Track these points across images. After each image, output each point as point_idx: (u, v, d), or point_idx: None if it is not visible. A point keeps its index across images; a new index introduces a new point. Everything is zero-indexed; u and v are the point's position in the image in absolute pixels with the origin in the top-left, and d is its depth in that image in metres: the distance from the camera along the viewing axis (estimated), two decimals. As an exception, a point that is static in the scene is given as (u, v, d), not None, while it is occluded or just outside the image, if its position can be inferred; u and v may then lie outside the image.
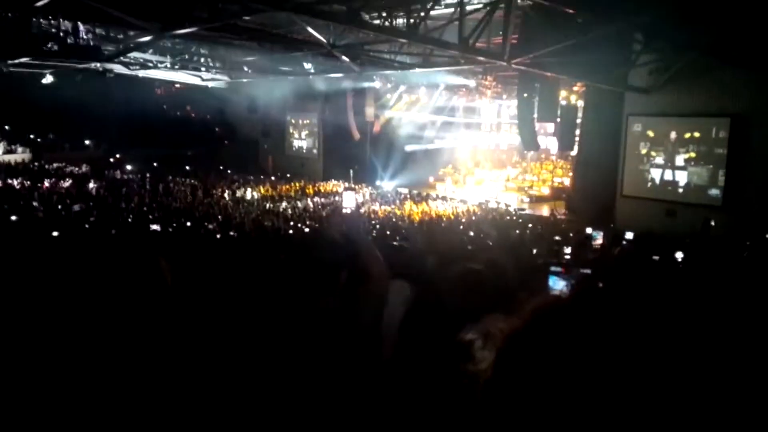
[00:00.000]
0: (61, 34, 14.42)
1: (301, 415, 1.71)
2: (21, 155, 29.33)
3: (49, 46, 14.39)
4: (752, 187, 14.72)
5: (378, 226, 12.96)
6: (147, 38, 16.69)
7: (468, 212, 22.23)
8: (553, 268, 3.83)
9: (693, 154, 16.90)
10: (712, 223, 5.82)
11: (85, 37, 15.98)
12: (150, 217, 14.61)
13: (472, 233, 11.19)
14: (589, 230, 13.54)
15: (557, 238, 10.48)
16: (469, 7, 13.40)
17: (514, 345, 0.71)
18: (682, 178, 17.18)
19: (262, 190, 25.24)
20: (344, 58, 17.41)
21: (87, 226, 9.75)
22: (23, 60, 15.82)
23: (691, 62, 15.16)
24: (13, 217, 9.86)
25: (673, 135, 17.32)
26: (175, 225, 12.46)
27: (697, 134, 16.77)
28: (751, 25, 12.79)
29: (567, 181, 27.54)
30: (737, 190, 15.35)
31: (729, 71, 14.54)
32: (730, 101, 15.30)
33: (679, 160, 17.24)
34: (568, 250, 6.79)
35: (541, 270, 4.54)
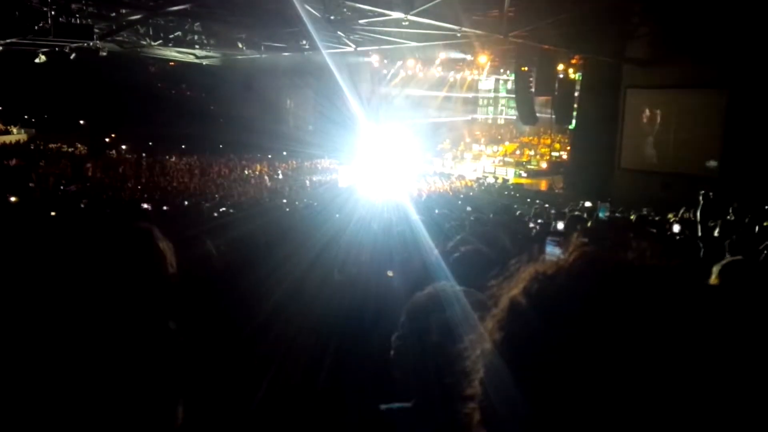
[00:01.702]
0: (53, 12, 14.21)
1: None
2: (17, 136, 29.16)
3: (41, 25, 14.19)
4: (750, 159, 14.69)
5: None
6: (139, 15, 16.51)
7: (466, 187, 22.23)
8: (550, 237, 3.84)
9: (691, 126, 16.84)
10: (711, 195, 5.80)
11: (77, 15, 15.77)
12: (146, 196, 14.58)
13: (469, 208, 11.17)
14: (588, 204, 13.52)
15: (553, 211, 10.47)
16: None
17: (514, 310, 0.69)
18: (679, 150, 17.13)
19: (259, 168, 25.17)
20: (340, 33, 17.23)
21: (82, 206, 9.71)
22: (15, 39, 15.64)
23: (689, 34, 15.01)
24: (13, 198, 9.81)
25: (671, 107, 17.25)
26: (171, 204, 12.43)
27: (695, 106, 16.70)
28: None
29: (565, 156, 27.49)
30: (735, 162, 15.32)
31: (727, 42, 14.40)
32: (728, 73, 15.19)
33: (677, 132, 17.18)
34: (561, 225, 6.78)
35: (537, 240, 4.54)
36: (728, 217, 7.54)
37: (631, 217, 9.69)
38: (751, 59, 14.41)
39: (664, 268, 0.67)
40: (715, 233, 6.51)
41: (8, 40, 15.99)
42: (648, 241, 0.72)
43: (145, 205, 10.23)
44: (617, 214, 10.82)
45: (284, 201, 14.70)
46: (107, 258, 1.80)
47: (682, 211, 10.84)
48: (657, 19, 15.49)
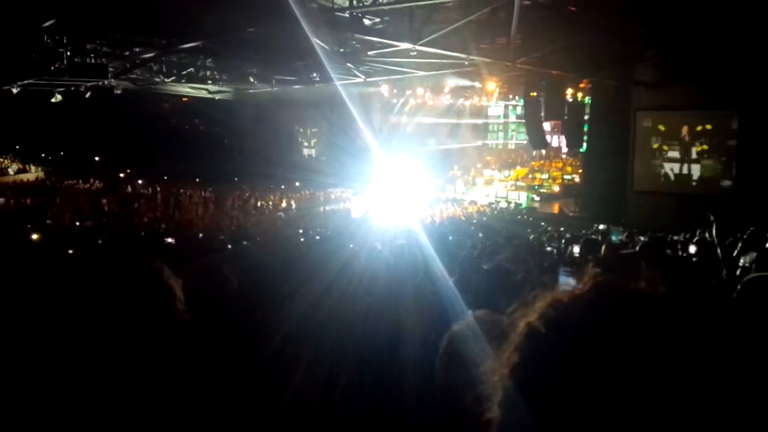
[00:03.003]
0: (69, 53, 14.56)
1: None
2: (34, 174, 29.64)
3: (57, 65, 14.54)
4: (763, 178, 14.58)
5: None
6: (153, 54, 16.87)
7: (479, 212, 22.22)
8: (563, 268, 3.84)
9: (704, 147, 16.79)
10: (711, 219, 5.77)
11: (92, 55, 16.15)
12: (162, 230, 14.70)
13: (481, 234, 11.16)
14: (602, 227, 13.44)
15: (568, 236, 10.43)
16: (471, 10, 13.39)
17: (530, 336, 0.71)
18: (693, 171, 17.07)
19: (273, 199, 25.34)
20: (349, 65, 17.47)
21: (100, 242, 9.80)
22: (32, 80, 16.03)
23: (695, 56, 15.05)
24: (35, 236, 9.91)
25: (683, 128, 17.23)
26: (187, 237, 12.52)
27: (708, 127, 16.67)
28: (753, 17, 12.73)
29: (577, 179, 27.43)
30: (748, 180, 15.22)
31: (733, 64, 14.41)
32: (735, 93, 15.17)
33: (690, 153, 17.13)
34: (577, 249, 6.73)
35: (551, 269, 4.52)
36: (745, 236, 7.46)
37: (642, 238, 9.62)
38: (758, 80, 14.39)
39: (674, 297, 0.69)
40: (735, 253, 6.44)
41: (26, 81, 16.38)
42: (661, 266, 0.73)
43: (170, 240, 10.31)
44: (641, 237, 10.74)
45: (299, 231, 14.76)
46: (117, 294, 1.82)
47: (698, 231, 10.75)
48: (663, 42, 15.55)
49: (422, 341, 1.89)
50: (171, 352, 1.72)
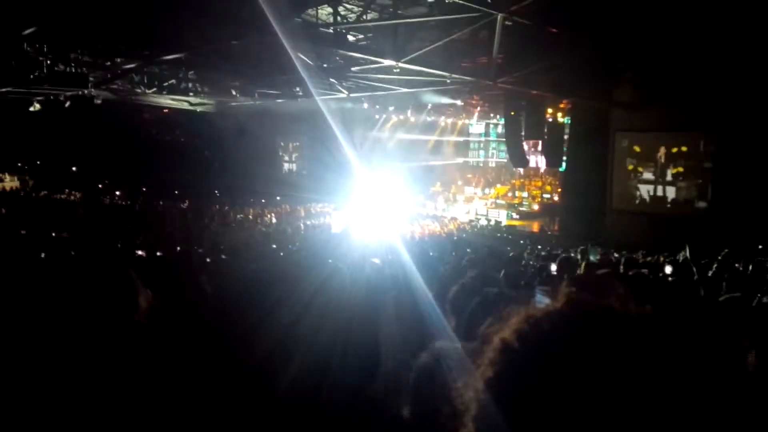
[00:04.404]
0: (48, 62, 14.42)
1: None
2: (9, 183, 29.16)
3: (36, 73, 14.37)
4: (739, 200, 14.82)
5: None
6: (134, 64, 16.77)
7: (459, 228, 22.30)
8: (539, 287, 3.87)
9: (680, 169, 17.06)
10: (688, 254, 5.90)
11: (72, 64, 16.01)
12: (138, 242, 14.52)
13: (453, 253, 11.21)
14: (581, 247, 13.54)
15: (544, 254, 10.51)
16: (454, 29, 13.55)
17: (504, 350, 0.72)
18: (670, 192, 17.32)
19: (252, 213, 25.19)
20: (332, 80, 17.53)
21: (73, 252, 9.64)
22: (10, 88, 15.83)
23: (671, 78, 15.33)
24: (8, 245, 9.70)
25: (660, 150, 17.50)
26: (164, 250, 12.38)
27: (684, 148, 16.95)
28: (730, 40, 13.04)
29: (556, 198, 27.71)
30: (724, 202, 15.47)
31: (714, 85, 14.70)
32: (711, 116, 15.45)
33: (667, 174, 17.39)
34: (554, 267, 6.79)
35: (528, 286, 4.55)
36: (720, 257, 7.59)
37: (616, 255, 9.73)
38: (734, 103, 14.68)
39: (643, 315, 0.70)
40: (709, 273, 6.55)
41: (4, 89, 16.17)
42: (637, 285, 0.75)
43: (140, 252, 10.17)
44: (616, 255, 10.84)
45: (278, 246, 14.66)
46: (83, 297, 1.81)
47: (675, 252, 10.90)
48: (640, 64, 15.86)
49: (402, 357, 1.89)
50: (135, 363, 1.70)
